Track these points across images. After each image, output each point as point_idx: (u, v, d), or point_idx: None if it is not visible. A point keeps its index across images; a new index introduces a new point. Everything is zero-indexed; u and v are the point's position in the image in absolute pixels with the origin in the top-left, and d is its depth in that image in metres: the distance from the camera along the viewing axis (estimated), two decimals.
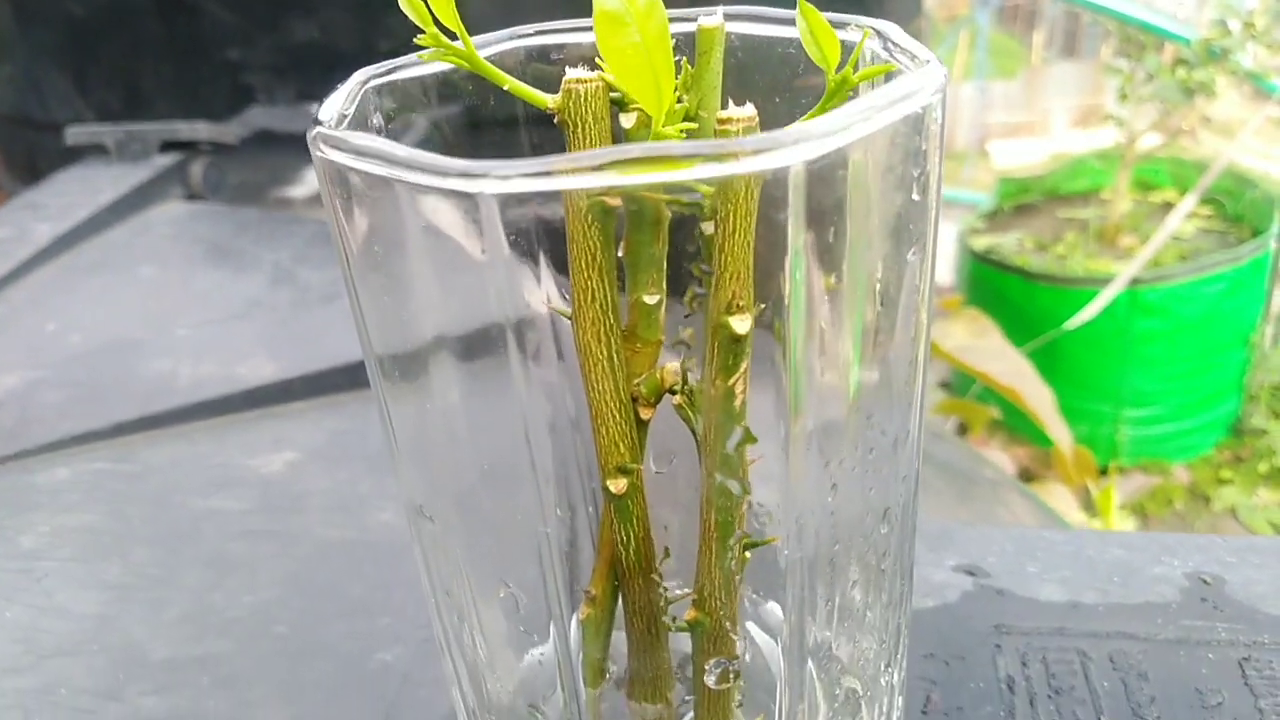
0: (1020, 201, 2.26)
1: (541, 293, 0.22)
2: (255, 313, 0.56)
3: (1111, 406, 1.84)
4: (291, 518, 0.40)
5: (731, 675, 0.19)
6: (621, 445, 0.20)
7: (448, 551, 0.21)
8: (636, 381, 0.21)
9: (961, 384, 1.61)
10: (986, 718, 0.30)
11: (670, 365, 0.21)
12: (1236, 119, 2.17)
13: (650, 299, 0.21)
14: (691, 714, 0.22)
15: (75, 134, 0.79)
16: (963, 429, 1.44)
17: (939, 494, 0.66)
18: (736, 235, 0.18)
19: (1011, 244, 2.10)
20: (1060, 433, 1.10)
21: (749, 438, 0.18)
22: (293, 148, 0.98)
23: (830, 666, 0.22)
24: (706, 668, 0.19)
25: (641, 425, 0.21)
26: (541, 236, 0.20)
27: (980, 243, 2.08)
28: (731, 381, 0.19)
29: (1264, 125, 2.23)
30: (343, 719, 0.30)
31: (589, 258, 0.19)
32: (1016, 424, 1.71)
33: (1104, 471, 1.71)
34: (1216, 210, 2.09)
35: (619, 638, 0.23)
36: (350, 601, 0.35)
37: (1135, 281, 1.80)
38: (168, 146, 0.79)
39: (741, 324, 0.18)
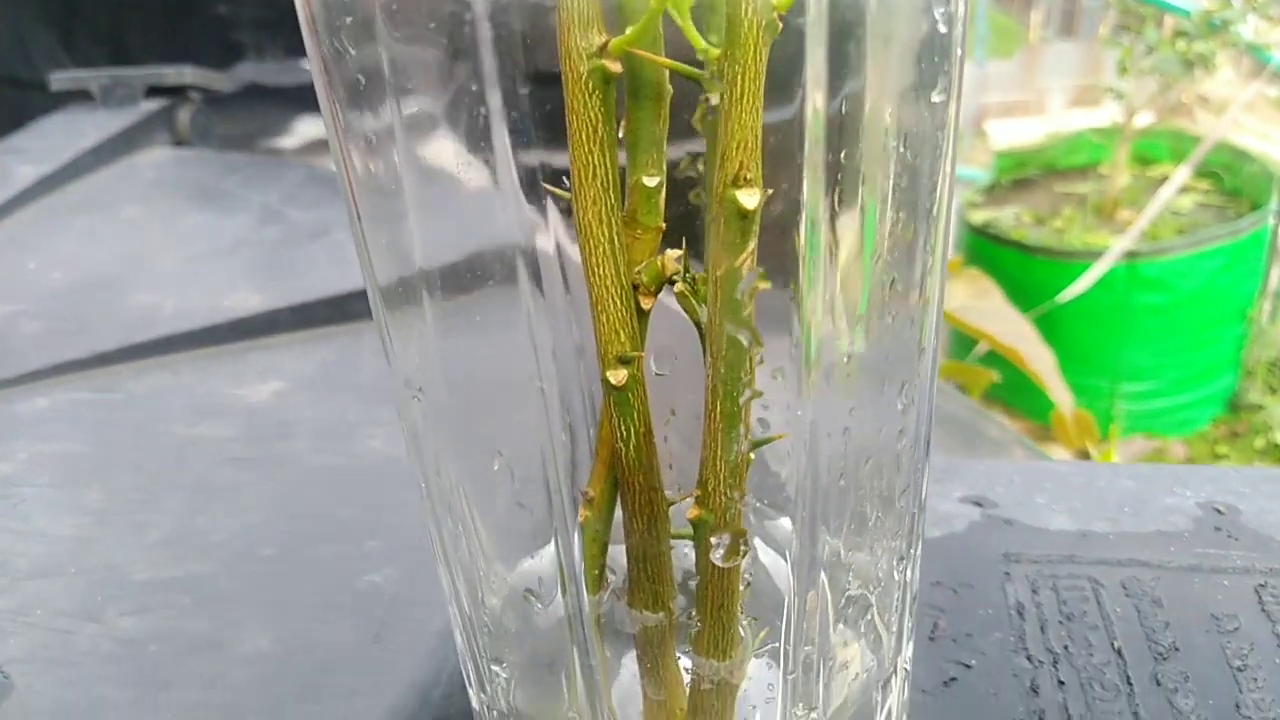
0: (1018, 176, 2.25)
1: (550, 234, 0.21)
2: (242, 249, 0.54)
3: (1109, 381, 1.84)
4: (278, 444, 0.38)
5: (741, 548, 0.17)
6: (622, 333, 0.19)
7: (438, 425, 0.20)
8: (637, 269, 0.20)
9: (959, 349, 1.60)
10: (996, 643, 0.29)
11: (671, 252, 0.20)
12: (1235, 96, 2.16)
13: (650, 181, 0.19)
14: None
15: (60, 80, 0.78)
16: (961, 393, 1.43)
17: (942, 445, 0.65)
18: (744, 100, 0.17)
19: (1009, 218, 2.08)
20: (1062, 395, 1.10)
21: (763, 279, 0.16)
22: (283, 100, 0.97)
23: (841, 570, 0.21)
24: (713, 542, 0.17)
25: (642, 315, 0.20)
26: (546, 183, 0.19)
27: (978, 216, 2.07)
28: (739, 261, 0.18)
29: (1261, 103, 2.22)
30: (330, 638, 0.29)
31: (590, 130, 0.18)
32: (1013, 398, 1.70)
33: (1104, 439, 1.70)
34: (1215, 184, 2.08)
35: (621, 551, 0.22)
36: (339, 525, 0.34)
37: (1134, 255, 1.80)
38: (154, 92, 0.77)
39: (749, 198, 0.17)
